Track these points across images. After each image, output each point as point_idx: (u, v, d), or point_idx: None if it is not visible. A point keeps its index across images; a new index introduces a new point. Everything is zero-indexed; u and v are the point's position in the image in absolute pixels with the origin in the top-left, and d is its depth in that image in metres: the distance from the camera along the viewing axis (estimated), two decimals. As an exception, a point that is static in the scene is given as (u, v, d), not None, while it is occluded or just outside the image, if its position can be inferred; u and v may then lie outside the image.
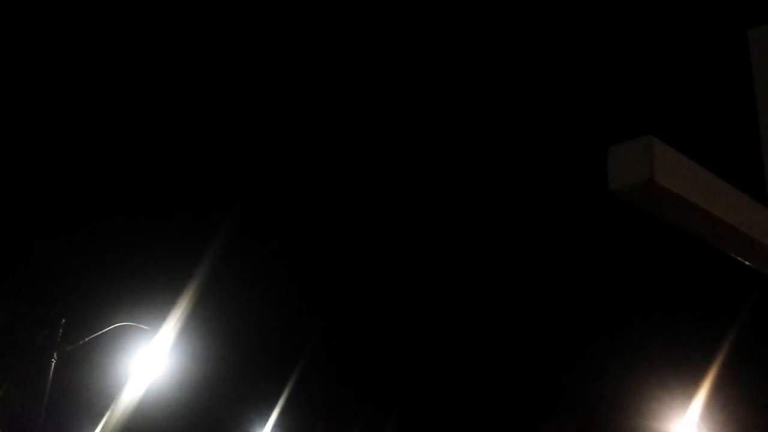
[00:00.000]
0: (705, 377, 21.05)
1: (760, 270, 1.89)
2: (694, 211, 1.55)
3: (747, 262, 1.84)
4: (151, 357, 14.87)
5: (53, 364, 13.06)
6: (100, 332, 13.94)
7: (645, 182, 1.47)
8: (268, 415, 50.95)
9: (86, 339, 13.84)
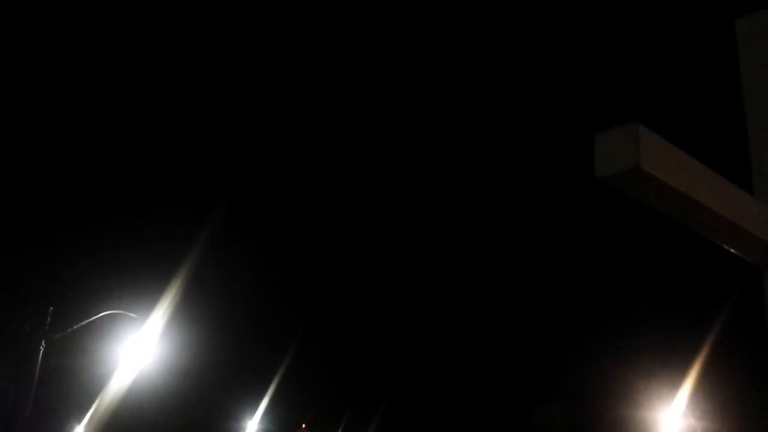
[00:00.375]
0: (692, 366, 21.22)
1: (746, 258, 1.90)
2: (681, 199, 1.55)
3: (733, 251, 1.84)
4: (139, 345, 14.85)
5: (41, 351, 13.02)
6: (89, 320, 13.90)
7: (631, 169, 1.46)
8: (257, 404, 50.99)
9: (74, 327, 13.79)
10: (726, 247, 1.81)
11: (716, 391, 28.36)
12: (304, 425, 69.64)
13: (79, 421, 47.43)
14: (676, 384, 22.77)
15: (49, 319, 13.47)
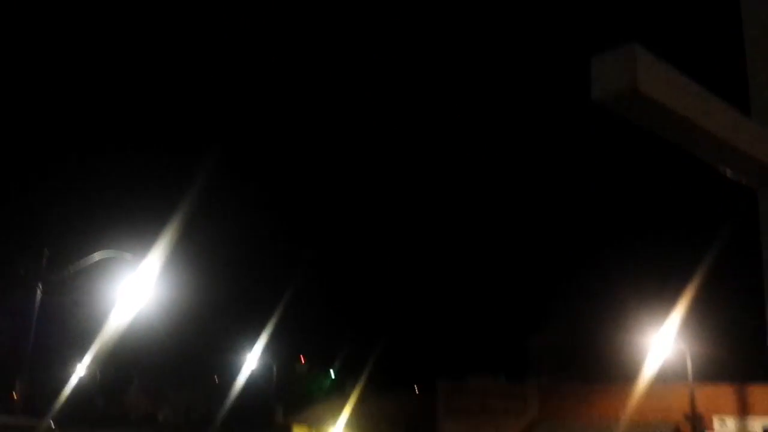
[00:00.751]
0: (684, 292, 21.56)
1: (740, 181, 1.90)
2: (678, 120, 1.54)
3: (729, 174, 1.84)
4: (136, 285, 14.93)
5: (39, 293, 13.11)
6: (85, 261, 13.94)
7: (629, 91, 1.45)
8: (256, 340, 51.72)
9: (71, 268, 13.84)
10: (722, 169, 1.81)
11: (707, 317, 28.94)
12: (302, 358, 70.84)
13: (81, 360, 48.15)
14: (668, 310, 23.21)
15: (44, 261, 13.51)
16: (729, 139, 1.66)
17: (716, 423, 25.01)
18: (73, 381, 45.81)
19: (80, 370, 49.47)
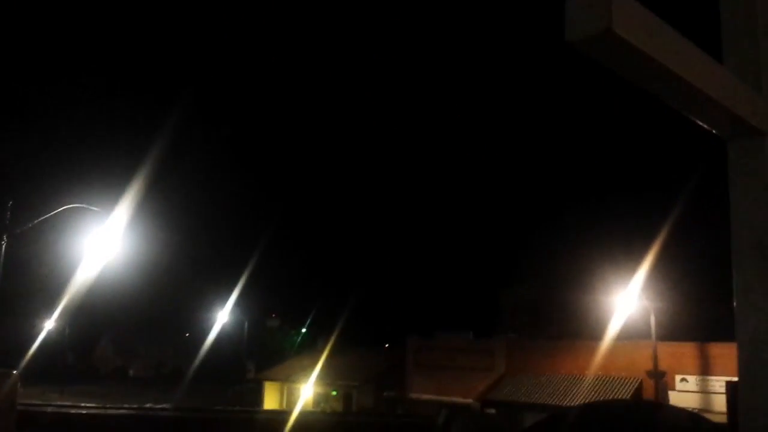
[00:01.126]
0: (650, 250, 21.89)
1: (714, 131, 1.88)
2: (652, 64, 1.50)
3: (702, 123, 1.82)
4: (103, 239, 14.75)
5: (3, 246, 12.88)
6: (50, 214, 13.71)
7: (602, 33, 1.40)
8: (228, 297, 51.66)
9: (36, 221, 13.60)
10: (693, 118, 1.79)
11: (671, 276, 29.51)
12: (274, 315, 71.12)
13: (49, 315, 47.63)
14: (634, 268, 23.59)
15: (9, 213, 13.25)
16: (703, 86, 1.63)
17: (678, 381, 25.70)
18: (42, 336, 45.54)
19: (49, 324, 49.18)
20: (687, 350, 25.90)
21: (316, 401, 38.76)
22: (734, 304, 1.86)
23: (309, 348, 50.63)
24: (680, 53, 1.57)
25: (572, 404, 25.12)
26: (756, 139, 1.85)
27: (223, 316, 54.68)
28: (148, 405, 20.59)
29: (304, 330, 66.11)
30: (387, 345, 48.46)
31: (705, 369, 25.21)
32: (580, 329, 32.17)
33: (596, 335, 27.64)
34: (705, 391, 24.87)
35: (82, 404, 12.52)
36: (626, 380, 26.67)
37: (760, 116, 1.83)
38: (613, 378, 27.04)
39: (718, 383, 23.55)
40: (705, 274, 30.39)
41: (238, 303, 54.10)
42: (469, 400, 29.68)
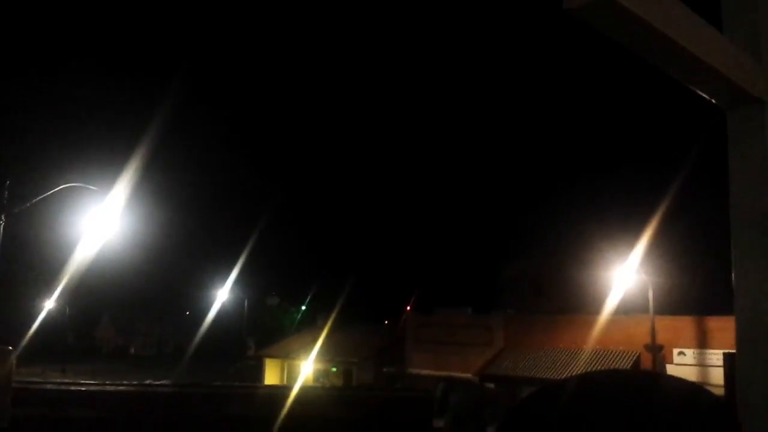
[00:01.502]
0: (648, 225, 21.88)
1: (713, 101, 1.86)
2: (652, 32, 1.48)
3: (701, 92, 1.80)
4: (102, 218, 14.72)
5: (2, 225, 12.86)
6: (48, 193, 13.67)
7: (602, 0, 1.38)
8: (227, 275, 51.75)
9: (34, 200, 13.57)
10: (693, 87, 1.76)
11: (669, 247, 29.56)
12: (273, 293, 71.21)
13: (49, 295, 47.69)
14: (632, 243, 23.62)
15: (6, 193, 13.22)
16: (703, 55, 1.61)
17: (675, 355, 25.85)
18: (42, 315, 45.66)
19: (49, 304, 49.29)
20: (685, 324, 26.03)
21: (316, 378, 39.00)
22: (732, 276, 1.85)
23: (309, 325, 50.82)
24: (680, 21, 1.55)
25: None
26: (755, 107, 1.83)
27: (223, 294, 54.87)
28: (147, 381, 20.67)
29: (303, 307, 66.35)
30: (387, 321, 48.65)
31: (702, 342, 25.35)
32: (578, 304, 32.30)
33: (594, 310, 27.74)
34: (702, 364, 25.03)
35: (81, 381, 12.57)
36: (624, 354, 26.83)
37: (760, 86, 1.81)
38: (611, 352, 27.20)
39: (716, 356, 23.68)
40: (703, 247, 30.47)
41: (238, 281, 54.27)
42: (468, 375, 29.88)
